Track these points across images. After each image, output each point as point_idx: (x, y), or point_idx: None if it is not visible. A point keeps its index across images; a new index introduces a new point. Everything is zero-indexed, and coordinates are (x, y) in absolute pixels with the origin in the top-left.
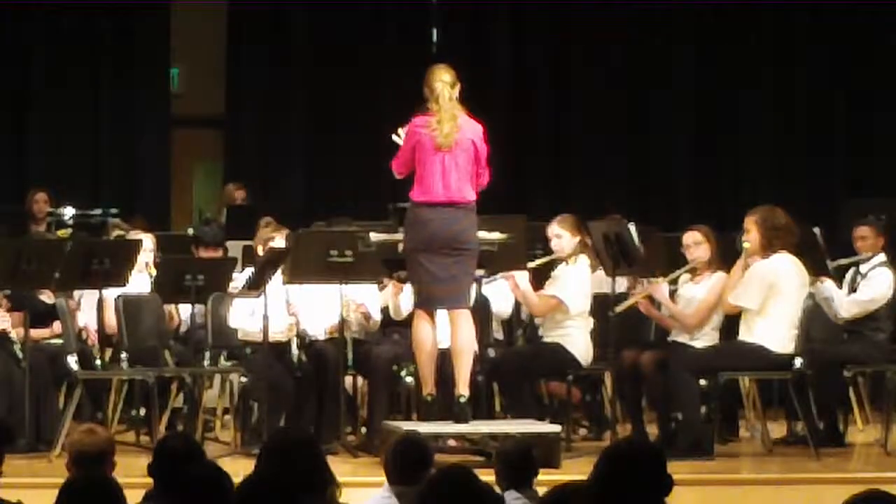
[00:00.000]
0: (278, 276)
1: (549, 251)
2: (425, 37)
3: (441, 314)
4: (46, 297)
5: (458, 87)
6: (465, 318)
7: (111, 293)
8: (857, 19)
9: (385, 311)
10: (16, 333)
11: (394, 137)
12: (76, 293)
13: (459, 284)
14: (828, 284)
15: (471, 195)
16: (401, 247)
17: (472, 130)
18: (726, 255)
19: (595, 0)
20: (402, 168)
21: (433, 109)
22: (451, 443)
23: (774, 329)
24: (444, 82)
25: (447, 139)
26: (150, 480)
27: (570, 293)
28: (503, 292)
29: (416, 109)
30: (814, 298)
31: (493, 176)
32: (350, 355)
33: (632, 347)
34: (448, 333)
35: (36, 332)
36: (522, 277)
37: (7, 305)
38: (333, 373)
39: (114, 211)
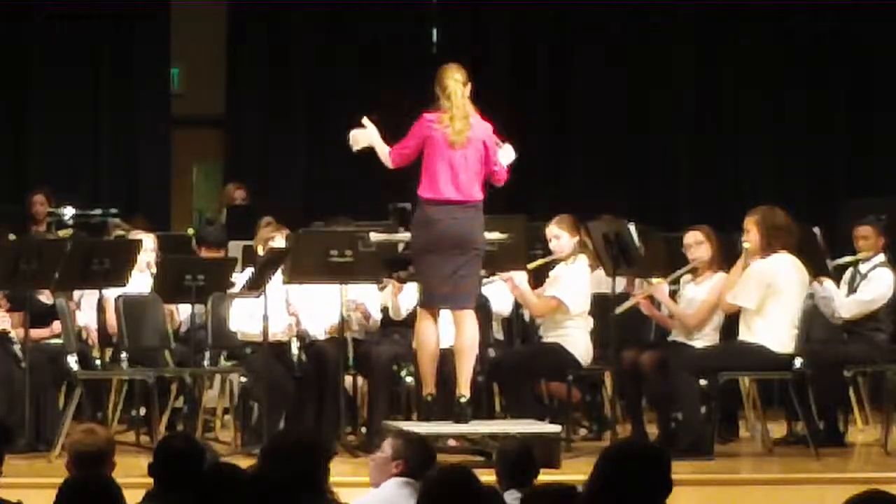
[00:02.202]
0: (278, 276)
1: (548, 251)
2: (425, 37)
3: (443, 313)
4: (45, 297)
5: (469, 87)
6: (470, 319)
7: (111, 293)
8: (858, 19)
9: (385, 311)
10: (16, 333)
11: (364, 120)
12: (76, 293)
13: (466, 284)
14: (827, 284)
15: (479, 194)
16: (401, 247)
17: (482, 130)
18: (727, 256)
19: (595, 0)
20: (402, 161)
21: (445, 107)
22: (451, 443)
23: (774, 329)
24: (456, 80)
25: (460, 136)
26: (150, 480)
27: (570, 293)
28: (503, 292)
29: (416, 108)
30: (814, 298)
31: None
32: (350, 355)
33: (632, 347)
34: (450, 333)
35: (36, 332)
36: (521, 278)
37: (7, 305)
38: (333, 373)
39: (114, 211)
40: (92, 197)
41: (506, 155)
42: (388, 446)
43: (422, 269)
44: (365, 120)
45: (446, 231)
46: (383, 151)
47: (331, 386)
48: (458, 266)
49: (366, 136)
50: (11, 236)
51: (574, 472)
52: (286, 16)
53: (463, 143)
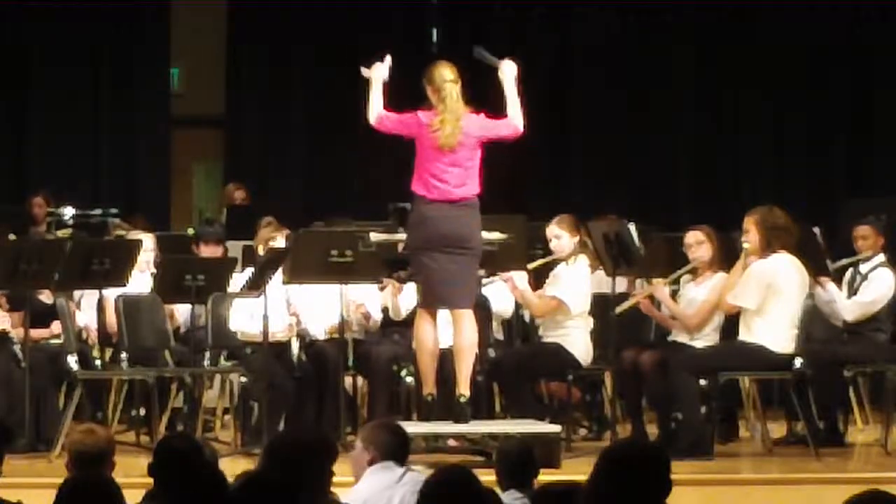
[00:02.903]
0: (279, 276)
1: (548, 251)
2: (425, 37)
3: (442, 314)
4: (45, 297)
5: (459, 84)
6: (468, 318)
7: (111, 293)
8: (858, 19)
9: (385, 311)
10: (16, 333)
11: (388, 58)
12: (76, 293)
13: (463, 284)
14: (830, 287)
15: (473, 191)
16: (401, 247)
17: (474, 126)
18: (727, 256)
19: (595, 0)
20: (383, 128)
21: (438, 109)
22: (451, 443)
23: (774, 329)
24: (451, 81)
25: (448, 140)
26: (150, 480)
27: (571, 293)
28: (504, 292)
29: (416, 109)
30: (814, 298)
31: (493, 175)
32: (350, 355)
33: (632, 347)
34: (449, 333)
35: (36, 332)
36: (521, 278)
37: (7, 305)
38: (333, 373)
39: (114, 211)
40: (92, 197)
41: (509, 71)
42: (359, 438)
43: (419, 269)
44: (388, 59)
45: (441, 229)
46: (376, 104)
47: (331, 386)
48: (454, 265)
49: (378, 72)
50: (11, 236)
51: (574, 472)
52: (286, 16)
53: (452, 146)
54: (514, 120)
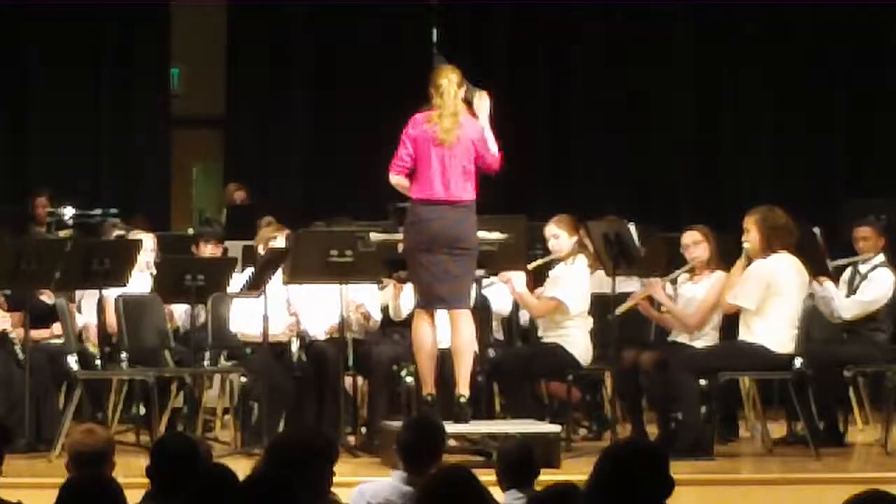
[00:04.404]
0: (279, 276)
1: (548, 251)
2: (425, 37)
3: (441, 314)
4: (46, 297)
5: (463, 89)
6: (466, 318)
7: (111, 293)
8: (859, 19)
9: (385, 311)
10: (16, 333)
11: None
12: (76, 293)
13: (460, 284)
14: (828, 285)
15: (470, 194)
16: (401, 247)
17: (473, 130)
18: (726, 255)
19: (595, 0)
20: (402, 170)
21: (436, 104)
22: (451, 443)
23: (774, 329)
24: (450, 80)
25: (447, 134)
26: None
27: (570, 294)
28: (503, 292)
29: (416, 109)
30: (814, 299)
31: (494, 175)
32: (350, 355)
33: (632, 347)
34: (448, 333)
35: (36, 332)
36: (519, 279)
37: (7, 305)
38: (333, 373)
39: (114, 211)
40: (92, 197)
41: (482, 107)
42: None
43: (415, 270)
44: None
45: (437, 231)
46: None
47: (331, 386)
48: (450, 266)
49: None
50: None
51: (574, 472)
52: (286, 16)
53: (451, 141)
54: (495, 153)
